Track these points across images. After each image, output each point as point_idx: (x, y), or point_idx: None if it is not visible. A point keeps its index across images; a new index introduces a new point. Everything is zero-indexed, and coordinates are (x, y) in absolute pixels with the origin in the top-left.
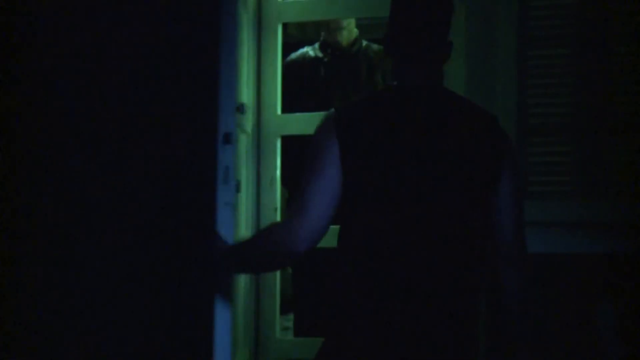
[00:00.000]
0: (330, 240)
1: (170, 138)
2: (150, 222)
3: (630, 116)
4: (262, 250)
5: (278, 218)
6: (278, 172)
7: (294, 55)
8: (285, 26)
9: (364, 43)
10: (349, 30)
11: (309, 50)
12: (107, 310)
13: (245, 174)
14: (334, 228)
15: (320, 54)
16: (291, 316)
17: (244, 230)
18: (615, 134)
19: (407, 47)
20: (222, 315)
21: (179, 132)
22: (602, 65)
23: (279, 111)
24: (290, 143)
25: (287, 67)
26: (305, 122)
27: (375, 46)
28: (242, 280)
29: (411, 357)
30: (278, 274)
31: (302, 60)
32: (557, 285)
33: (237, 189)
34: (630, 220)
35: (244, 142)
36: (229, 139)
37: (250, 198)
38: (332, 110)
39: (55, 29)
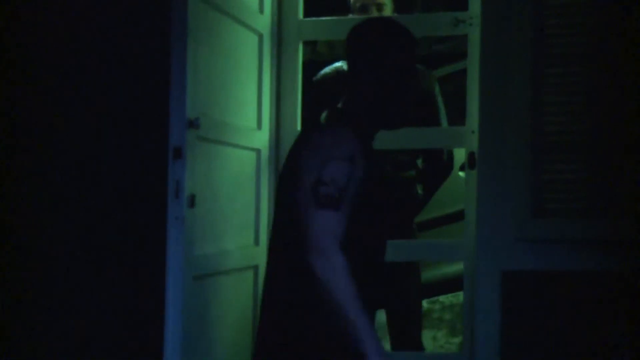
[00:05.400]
0: None
1: (122, 153)
2: (105, 234)
3: None
4: None
5: None
6: None
7: (328, 70)
8: (314, 45)
9: None
10: None
11: (342, 65)
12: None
13: (263, 191)
14: None
15: None
16: None
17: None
18: (631, 152)
19: None
20: (173, 322)
21: (130, 147)
22: (617, 84)
23: (298, 128)
24: None
25: (322, 82)
26: None
27: None
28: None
29: None
30: None
31: (337, 75)
32: (570, 303)
33: (192, 203)
34: None
35: (252, 159)
36: (179, 153)
37: (266, 212)
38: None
39: None
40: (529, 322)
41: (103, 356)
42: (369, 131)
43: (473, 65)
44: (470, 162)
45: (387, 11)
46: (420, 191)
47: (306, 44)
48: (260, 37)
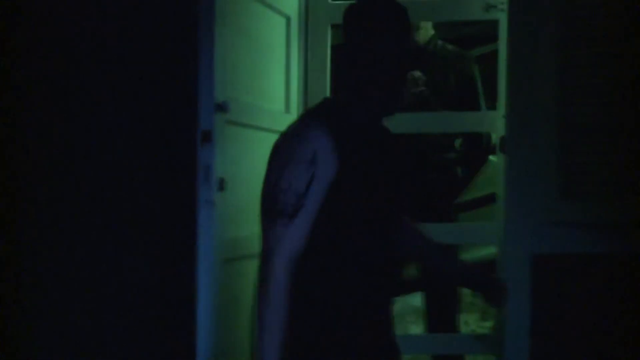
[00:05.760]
0: None
1: (152, 137)
2: (136, 218)
3: None
4: None
5: None
6: None
7: None
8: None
9: (440, 42)
10: (425, 29)
11: None
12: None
13: None
14: None
15: None
16: None
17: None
18: None
19: None
20: (205, 305)
21: (160, 131)
22: None
23: None
24: None
25: None
26: None
27: (450, 46)
28: None
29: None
30: None
31: None
32: (600, 285)
33: (221, 186)
34: None
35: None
36: (208, 137)
37: None
38: None
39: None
40: (559, 305)
41: (136, 339)
42: (365, 118)
43: (504, 50)
44: (502, 146)
45: None
46: (460, 173)
47: (336, 27)
48: (288, 19)
